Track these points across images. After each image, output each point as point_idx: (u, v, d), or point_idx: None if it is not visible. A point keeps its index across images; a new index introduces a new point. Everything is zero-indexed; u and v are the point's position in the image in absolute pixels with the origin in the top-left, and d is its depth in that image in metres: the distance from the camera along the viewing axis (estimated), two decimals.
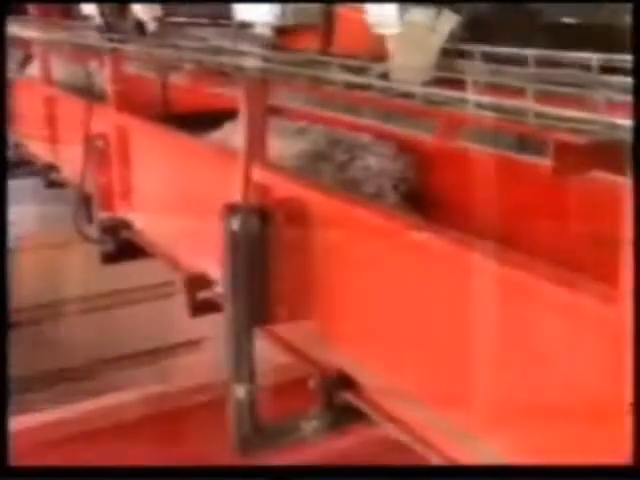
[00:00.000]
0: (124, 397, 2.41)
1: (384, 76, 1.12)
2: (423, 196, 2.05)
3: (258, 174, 1.56)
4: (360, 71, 1.15)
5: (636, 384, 0.76)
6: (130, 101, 2.41)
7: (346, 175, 2.00)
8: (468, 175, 1.88)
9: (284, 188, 1.56)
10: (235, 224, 1.48)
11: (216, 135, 2.12)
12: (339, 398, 1.46)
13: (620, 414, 0.93)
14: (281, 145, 2.08)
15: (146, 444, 2.41)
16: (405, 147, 2.10)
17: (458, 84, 1.00)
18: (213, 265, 1.68)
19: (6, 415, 1.44)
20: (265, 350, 1.84)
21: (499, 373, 1.13)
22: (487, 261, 1.12)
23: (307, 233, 1.52)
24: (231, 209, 1.49)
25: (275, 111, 2.64)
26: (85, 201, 2.53)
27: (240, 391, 1.51)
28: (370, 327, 1.42)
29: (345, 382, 1.46)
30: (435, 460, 1.26)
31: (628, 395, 0.92)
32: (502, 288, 1.11)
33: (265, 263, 1.51)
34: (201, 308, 1.91)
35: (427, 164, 2.07)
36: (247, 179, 1.48)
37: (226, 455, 1.56)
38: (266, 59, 1.36)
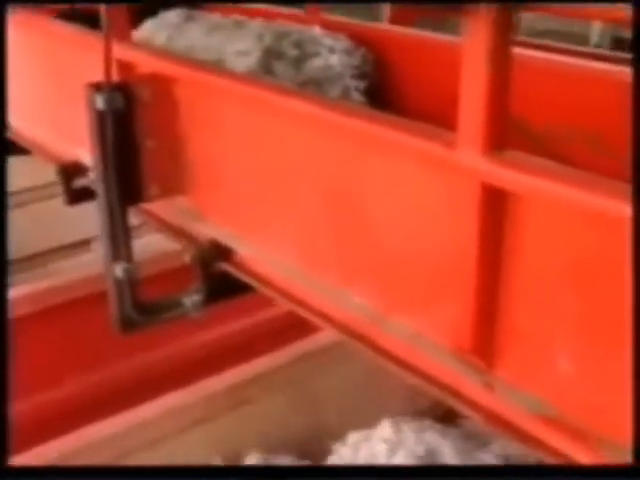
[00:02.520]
0: (12, 294, 2.38)
1: None
2: (385, 91, 1.89)
3: (120, 52, 1.53)
4: None
5: (636, 382, 0.80)
6: None
7: (304, 76, 1.81)
8: (429, 64, 1.81)
9: (148, 64, 1.54)
10: (99, 102, 1.45)
11: (137, 34, 1.92)
12: (216, 269, 1.50)
13: (462, 258, 0.99)
14: (219, 43, 1.88)
15: (39, 336, 2.43)
16: (357, 39, 1.90)
17: None
18: (87, 151, 1.65)
19: (6, 416, 1.41)
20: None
21: (356, 227, 1.18)
22: (346, 120, 1.15)
23: (174, 108, 1.51)
24: (95, 87, 1.46)
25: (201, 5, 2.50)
26: None
27: (118, 270, 1.52)
28: (243, 197, 1.45)
29: (221, 253, 1.49)
30: (309, 316, 1.33)
31: (472, 244, 0.97)
32: (358, 143, 1.14)
33: (133, 141, 1.50)
34: (78, 196, 1.89)
35: (385, 56, 1.89)
36: (108, 57, 1.44)
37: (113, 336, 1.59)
38: None
